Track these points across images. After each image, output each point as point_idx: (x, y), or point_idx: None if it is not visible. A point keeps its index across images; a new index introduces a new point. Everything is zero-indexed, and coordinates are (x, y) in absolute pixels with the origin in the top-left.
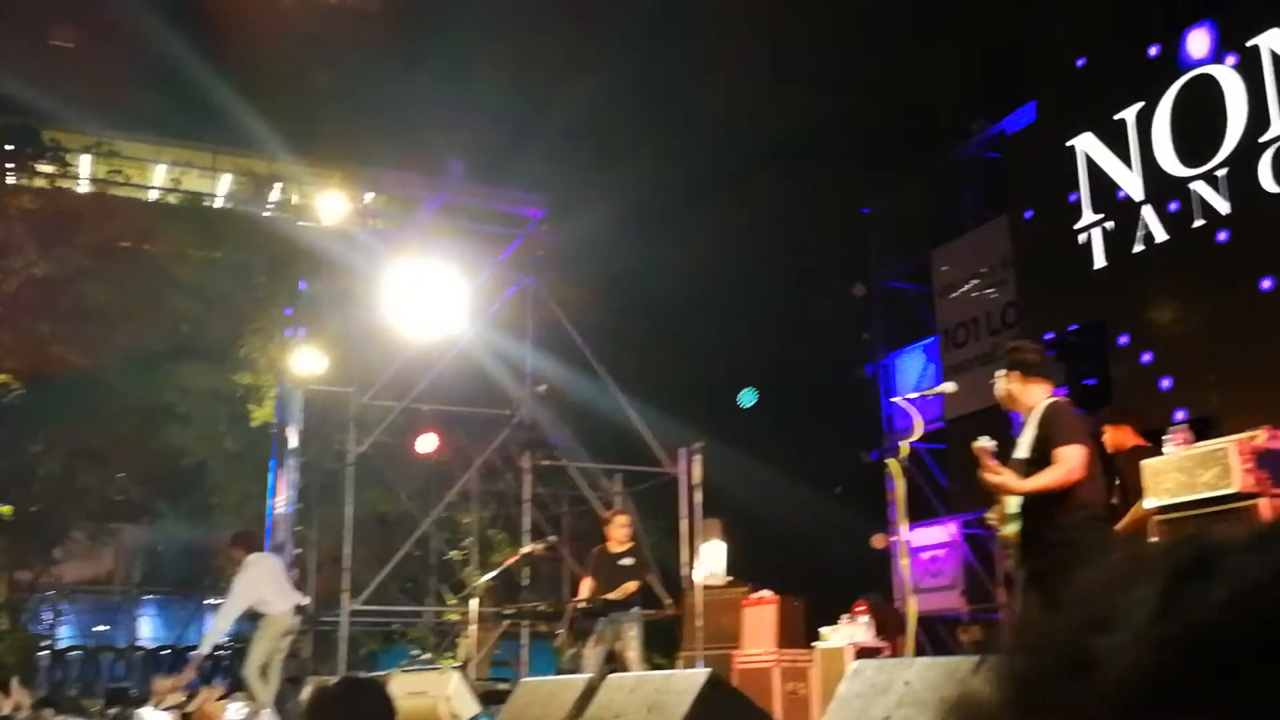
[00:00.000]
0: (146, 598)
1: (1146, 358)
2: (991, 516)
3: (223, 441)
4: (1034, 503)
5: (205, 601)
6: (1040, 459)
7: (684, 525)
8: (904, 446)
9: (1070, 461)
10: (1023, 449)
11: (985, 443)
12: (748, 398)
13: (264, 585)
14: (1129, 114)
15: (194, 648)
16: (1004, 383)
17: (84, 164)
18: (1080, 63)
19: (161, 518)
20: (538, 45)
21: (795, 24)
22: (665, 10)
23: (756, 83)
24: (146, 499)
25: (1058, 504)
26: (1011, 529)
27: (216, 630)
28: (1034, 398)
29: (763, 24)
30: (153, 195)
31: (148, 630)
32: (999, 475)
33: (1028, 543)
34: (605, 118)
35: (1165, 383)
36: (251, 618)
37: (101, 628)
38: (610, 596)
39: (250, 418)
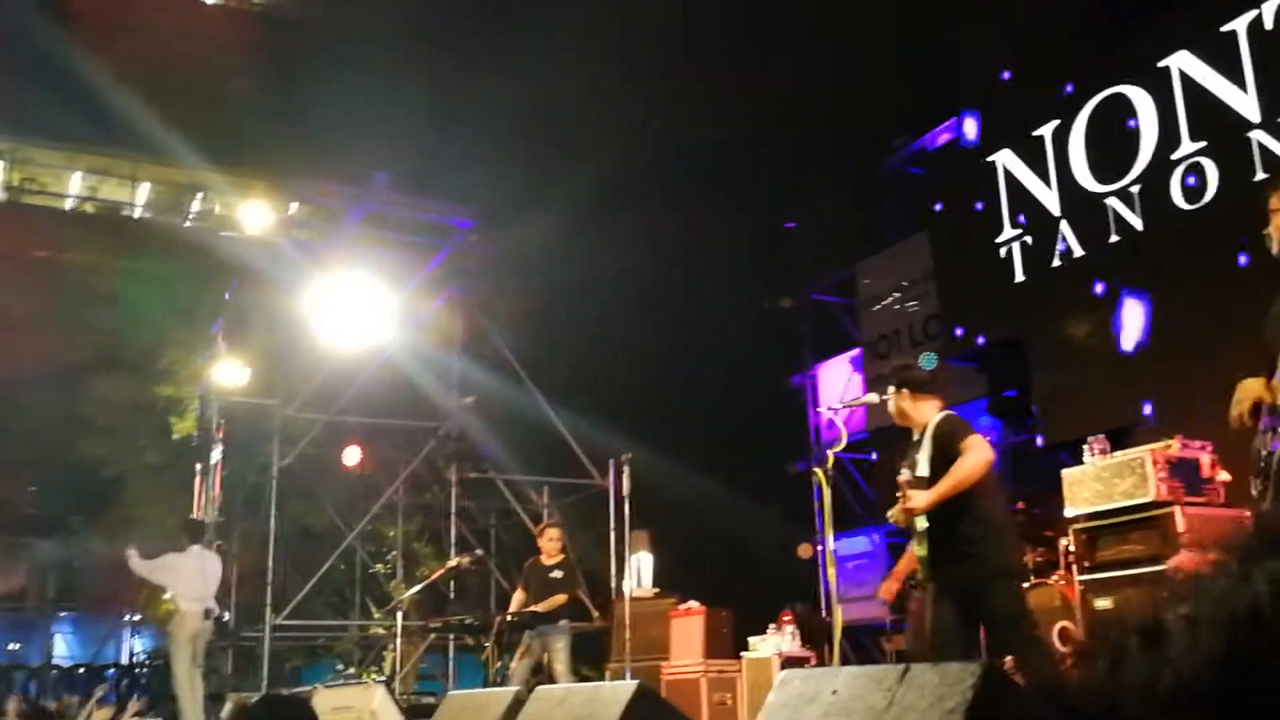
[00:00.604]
0: (62, 614)
1: (1064, 371)
2: (894, 514)
3: (143, 455)
4: (939, 518)
5: (123, 618)
6: (940, 475)
7: (613, 537)
8: (830, 456)
9: (978, 449)
10: (922, 466)
11: (906, 475)
12: (929, 361)
13: (187, 576)
14: (1046, 131)
15: (111, 666)
16: (895, 400)
17: None
18: (1000, 80)
19: (77, 533)
20: (465, 52)
21: (721, 36)
22: (592, 18)
23: (684, 94)
24: (63, 513)
25: (962, 518)
26: (921, 549)
27: (130, 560)
28: (925, 415)
29: (688, 35)
30: (68, 204)
31: (63, 648)
32: (914, 502)
33: (937, 557)
34: (533, 127)
35: (1083, 394)
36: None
37: (14, 646)
38: (538, 608)
39: (172, 430)
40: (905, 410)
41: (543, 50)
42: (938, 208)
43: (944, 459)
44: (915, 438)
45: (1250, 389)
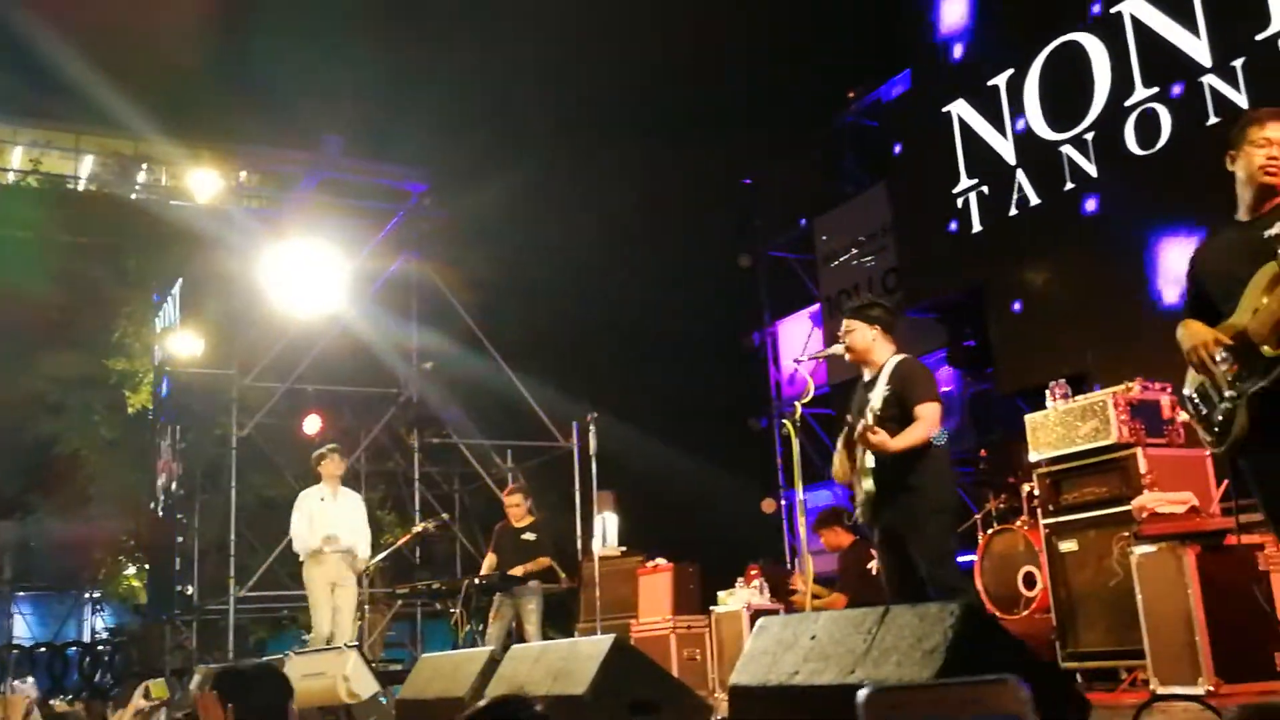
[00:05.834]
0: (20, 595)
1: (1022, 319)
2: (839, 464)
3: (98, 430)
4: (890, 457)
5: (83, 596)
6: (899, 416)
7: (578, 497)
8: (797, 407)
9: (931, 418)
10: (875, 402)
11: (866, 421)
12: None
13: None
14: (1000, 80)
15: (72, 645)
16: (862, 333)
17: None
18: (953, 31)
19: (34, 512)
20: (419, 14)
21: None
22: None
23: (641, 49)
24: (18, 492)
25: (915, 456)
26: (868, 484)
27: None
28: (882, 355)
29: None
30: (10, 178)
31: (23, 628)
32: (882, 436)
33: (882, 493)
34: (488, 88)
35: (1041, 342)
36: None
37: None
38: (518, 571)
39: (127, 404)
40: (868, 347)
41: (499, 10)
42: (893, 161)
43: (899, 401)
44: (867, 378)
45: (1199, 333)
